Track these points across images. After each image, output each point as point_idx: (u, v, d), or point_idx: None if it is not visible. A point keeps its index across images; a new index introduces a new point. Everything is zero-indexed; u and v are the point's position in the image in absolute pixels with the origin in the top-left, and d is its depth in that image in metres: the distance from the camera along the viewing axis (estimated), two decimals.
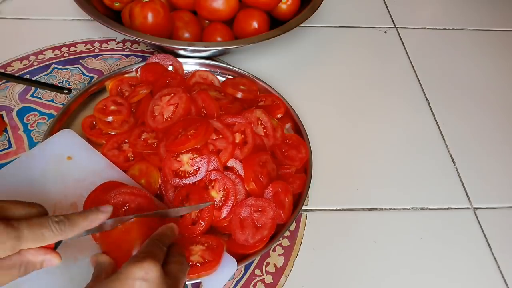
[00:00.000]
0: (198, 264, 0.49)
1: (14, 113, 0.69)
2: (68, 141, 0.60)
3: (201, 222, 0.53)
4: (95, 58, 0.79)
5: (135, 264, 0.38)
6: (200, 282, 0.50)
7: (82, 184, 0.55)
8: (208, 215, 0.53)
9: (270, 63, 0.82)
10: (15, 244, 0.37)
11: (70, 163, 0.58)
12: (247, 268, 0.57)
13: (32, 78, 0.74)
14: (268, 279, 0.57)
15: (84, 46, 0.80)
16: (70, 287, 0.47)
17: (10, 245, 0.36)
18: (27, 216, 0.40)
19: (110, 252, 0.44)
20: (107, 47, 0.81)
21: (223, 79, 0.74)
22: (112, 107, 0.65)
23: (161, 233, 0.44)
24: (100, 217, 0.43)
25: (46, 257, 0.40)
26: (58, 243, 0.42)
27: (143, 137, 0.61)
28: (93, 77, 0.75)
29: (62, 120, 0.66)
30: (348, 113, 0.77)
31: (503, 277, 0.60)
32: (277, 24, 0.78)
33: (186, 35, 0.77)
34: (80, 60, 0.78)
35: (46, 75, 0.75)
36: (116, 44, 0.82)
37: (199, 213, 0.54)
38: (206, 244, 0.51)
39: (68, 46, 0.80)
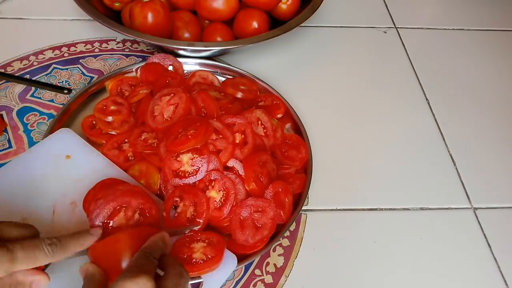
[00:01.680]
0: (201, 262, 0.49)
1: (14, 113, 0.69)
2: (67, 140, 0.60)
3: (198, 220, 0.53)
4: (95, 58, 0.79)
5: (129, 279, 0.37)
6: (201, 281, 0.50)
7: (81, 183, 0.55)
8: (205, 213, 0.53)
9: (270, 63, 0.82)
10: (9, 267, 0.37)
11: (69, 162, 0.58)
12: (247, 268, 0.57)
13: (32, 78, 0.74)
14: (268, 279, 0.57)
15: (84, 46, 0.80)
16: (71, 285, 0.47)
17: (5, 267, 0.37)
18: (20, 237, 0.40)
19: (99, 263, 0.43)
20: (107, 47, 0.81)
21: (223, 79, 0.74)
22: (112, 107, 0.65)
23: (152, 245, 0.42)
24: (90, 240, 0.44)
25: (36, 278, 0.40)
26: (47, 264, 0.42)
27: (143, 137, 0.61)
28: (93, 77, 0.75)
29: (62, 120, 0.66)
30: (348, 113, 0.77)
31: (503, 277, 0.60)
32: (277, 24, 0.78)
33: (186, 35, 0.77)
34: (80, 60, 0.78)
35: (46, 75, 0.75)
36: (116, 44, 0.82)
37: (195, 211, 0.53)
38: (207, 241, 0.51)
39: (68, 46, 0.80)
